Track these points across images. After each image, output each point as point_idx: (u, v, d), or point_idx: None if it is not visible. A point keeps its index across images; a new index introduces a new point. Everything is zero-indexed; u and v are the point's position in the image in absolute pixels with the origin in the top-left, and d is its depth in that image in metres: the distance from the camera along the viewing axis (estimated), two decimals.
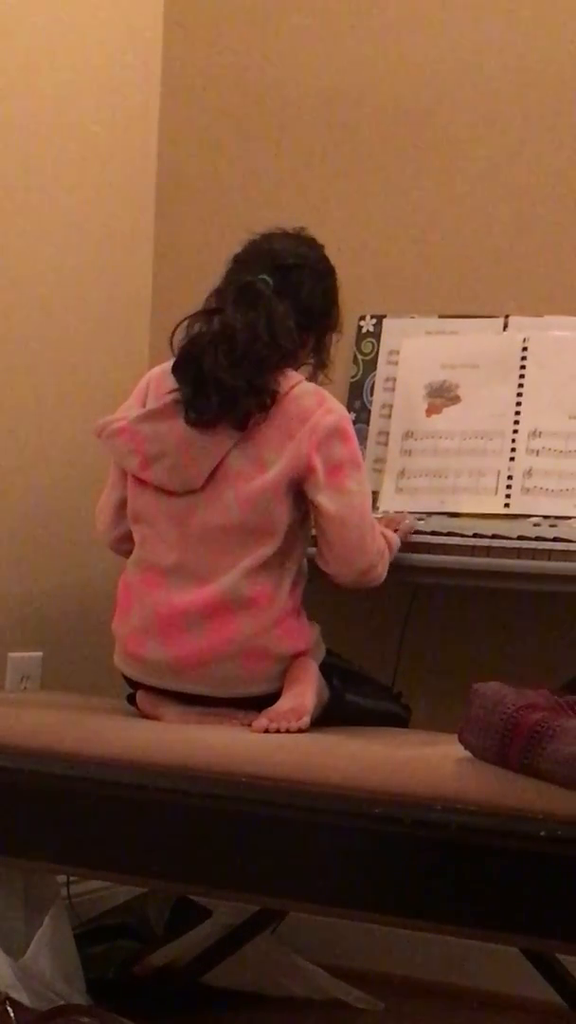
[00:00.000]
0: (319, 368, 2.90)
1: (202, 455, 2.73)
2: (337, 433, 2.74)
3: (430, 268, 3.38)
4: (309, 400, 2.76)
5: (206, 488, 2.73)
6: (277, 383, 2.74)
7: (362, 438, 3.20)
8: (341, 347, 3.02)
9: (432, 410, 3.16)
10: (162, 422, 2.76)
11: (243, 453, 2.73)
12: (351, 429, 2.78)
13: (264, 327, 2.74)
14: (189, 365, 2.75)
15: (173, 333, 2.80)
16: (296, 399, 2.75)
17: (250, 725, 2.65)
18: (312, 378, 2.88)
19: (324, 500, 2.72)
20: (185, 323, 2.80)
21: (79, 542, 3.33)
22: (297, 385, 2.77)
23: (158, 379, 2.84)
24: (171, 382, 2.78)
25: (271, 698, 2.70)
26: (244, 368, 2.72)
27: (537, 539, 2.85)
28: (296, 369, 2.83)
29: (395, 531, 2.90)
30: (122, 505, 2.87)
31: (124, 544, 2.89)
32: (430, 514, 3.05)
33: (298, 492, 2.74)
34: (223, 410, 2.71)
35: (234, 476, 2.72)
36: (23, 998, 2.74)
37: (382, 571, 2.80)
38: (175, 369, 2.78)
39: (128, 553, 2.85)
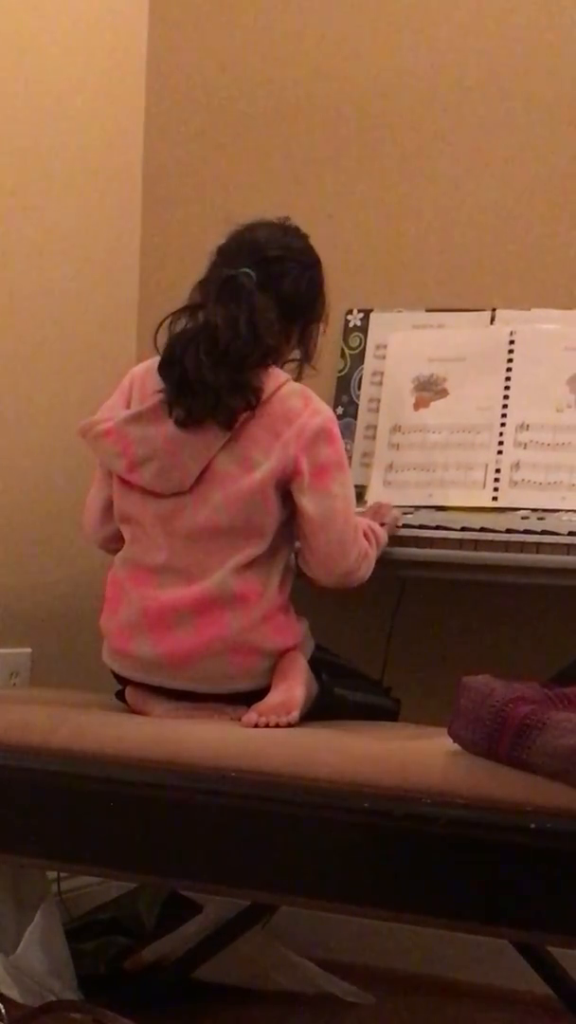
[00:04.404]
0: (305, 361, 2.89)
1: (190, 457, 2.72)
2: (323, 435, 2.74)
3: (417, 262, 3.38)
4: (295, 401, 2.75)
5: (194, 489, 2.72)
6: (261, 380, 2.73)
7: (350, 432, 3.20)
8: (328, 341, 3.00)
9: (420, 404, 3.16)
10: (150, 424, 2.74)
11: (230, 454, 2.72)
12: (337, 431, 2.78)
13: (245, 323, 2.72)
14: (173, 365, 2.74)
15: (157, 330, 2.79)
16: (283, 399, 2.74)
17: (239, 720, 2.65)
18: (299, 373, 2.88)
19: (307, 503, 2.72)
20: (168, 320, 2.79)
21: (67, 538, 3.33)
22: (284, 385, 2.76)
23: (142, 378, 2.82)
24: (156, 381, 2.76)
25: (260, 693, 2.70)
26: (226, 366, 2.70)
27: (525, 532, 2.85)
28: (281, 365, 2.82)
29: (382, 524, 2.89)
30: (108, 505, 2.85)
31: (112, 544, 2.87)
32: (418, 508, 3.05)
33: (285, 492, 2.74)
34: (209, 409, 2.70)
35: (222, 477, 2.71)
36: (14, 994, 2.75)
37: (364, 573, 2.79)
38: (160, 369, 2.77)
39: (116, 552, 2.84)
